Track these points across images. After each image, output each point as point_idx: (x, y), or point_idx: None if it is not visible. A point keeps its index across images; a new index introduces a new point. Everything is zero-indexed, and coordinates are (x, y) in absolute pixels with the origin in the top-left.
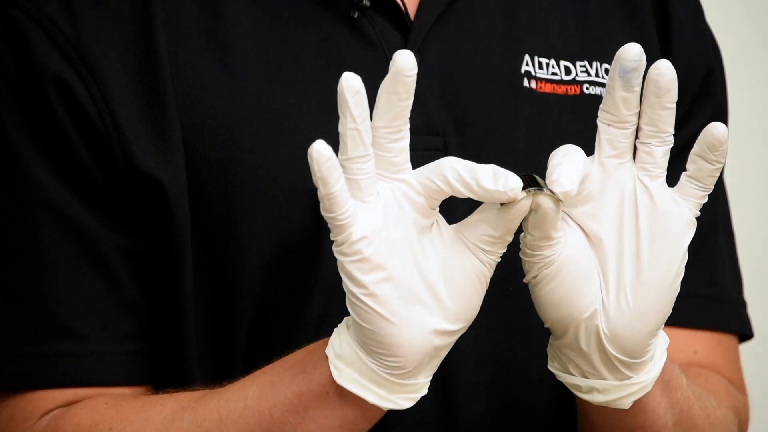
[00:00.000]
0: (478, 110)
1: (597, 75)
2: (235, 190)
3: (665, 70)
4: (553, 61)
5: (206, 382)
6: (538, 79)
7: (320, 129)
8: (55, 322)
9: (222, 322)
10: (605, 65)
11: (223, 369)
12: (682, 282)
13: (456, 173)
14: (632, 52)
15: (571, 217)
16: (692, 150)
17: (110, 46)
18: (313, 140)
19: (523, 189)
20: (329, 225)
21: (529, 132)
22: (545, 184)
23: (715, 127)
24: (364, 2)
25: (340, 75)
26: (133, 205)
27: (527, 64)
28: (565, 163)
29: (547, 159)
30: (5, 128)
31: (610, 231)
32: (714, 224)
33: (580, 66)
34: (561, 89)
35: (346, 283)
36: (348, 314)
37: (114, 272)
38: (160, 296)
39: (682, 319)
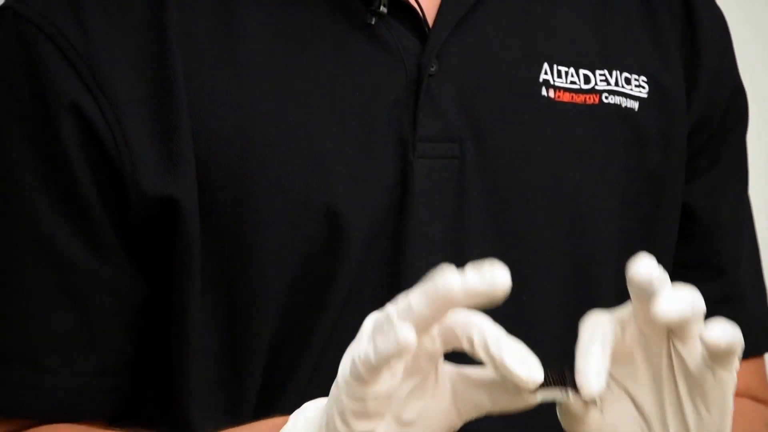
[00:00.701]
0: (496, 118)
1: (617, 84)
2: (248, 202)
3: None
4: (572, 70)
5: (209, 424)
6: (556, 88)
7: (334, 140)
8: (20, 351)
9: (235, 341)
10: (625, 74)
11: (234, 400)
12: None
13: (483, 340)
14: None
15: (612, 377)
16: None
17: (123, 59)
18: (327, 151)
19: (544, 383)
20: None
21: (547, 141)
22: (571, 382)
23: (716, 336)
24: (380, 9)
25: (356, 82)
26: (141, 230)
27: (546, 73)
28: (591, 358)
29: (565, 169)
30: (9, 149)
31: (650, 398)
32: (741, 243)
33: (600, 74)
34: (580, 98)
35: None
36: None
37: (88, 308)
38: (160, 323)
39: None
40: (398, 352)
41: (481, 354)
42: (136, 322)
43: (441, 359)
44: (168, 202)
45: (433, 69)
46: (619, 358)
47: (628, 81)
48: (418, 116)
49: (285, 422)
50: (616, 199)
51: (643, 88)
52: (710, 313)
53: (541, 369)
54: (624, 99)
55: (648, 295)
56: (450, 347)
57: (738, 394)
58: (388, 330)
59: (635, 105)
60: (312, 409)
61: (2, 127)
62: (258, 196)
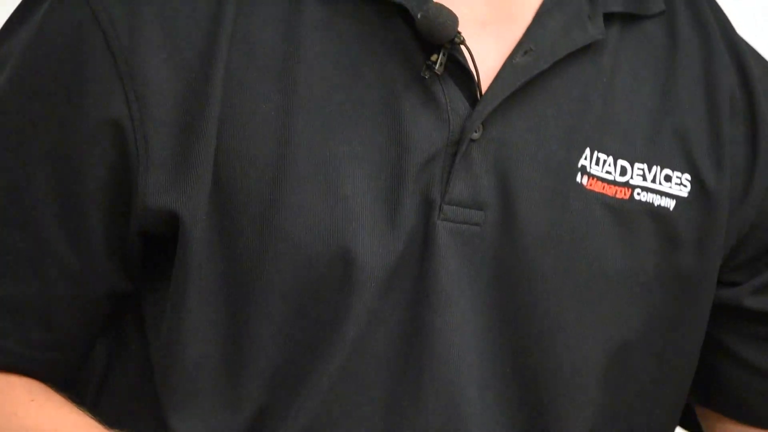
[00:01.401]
0: (526, 194)
1: (654, 180)
2: (270, 230)
3: None
4: (611, 159)
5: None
6: (591, 176)
7: (364, 186)
8: None
9: (232, 365)
10: (666, 170)
11: (223, 415)
12: None
13: None
14: None
15: None
16: None
17: (166, 60)
18: (356, 195)
19: None
20: None
21: (572, 229)
22: None
23: None
24: (436, 69)
25: (398, 131)
26: (142, 236)
27: (585, 158)
28: None
29: (583, 258)
30: (28, 121)
31: None
32: None
33: (638, 168)
34: (611, 190)
35: None
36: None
37: (49, 286)
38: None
39: None
40: None
41: None
42: (99, 309)
43: None
44: (169, 215)
45: (476, 134)
46: None
47: (668, 178)
48: (451, 178)
49: None
50: (639, 296)
51: (685, 186)
52: None
53: None
54: (658, 197)
55: None
56: None
57: None
58: None
59: (671, 204)
60: None
61: (28, 99)
62: (281, 225)
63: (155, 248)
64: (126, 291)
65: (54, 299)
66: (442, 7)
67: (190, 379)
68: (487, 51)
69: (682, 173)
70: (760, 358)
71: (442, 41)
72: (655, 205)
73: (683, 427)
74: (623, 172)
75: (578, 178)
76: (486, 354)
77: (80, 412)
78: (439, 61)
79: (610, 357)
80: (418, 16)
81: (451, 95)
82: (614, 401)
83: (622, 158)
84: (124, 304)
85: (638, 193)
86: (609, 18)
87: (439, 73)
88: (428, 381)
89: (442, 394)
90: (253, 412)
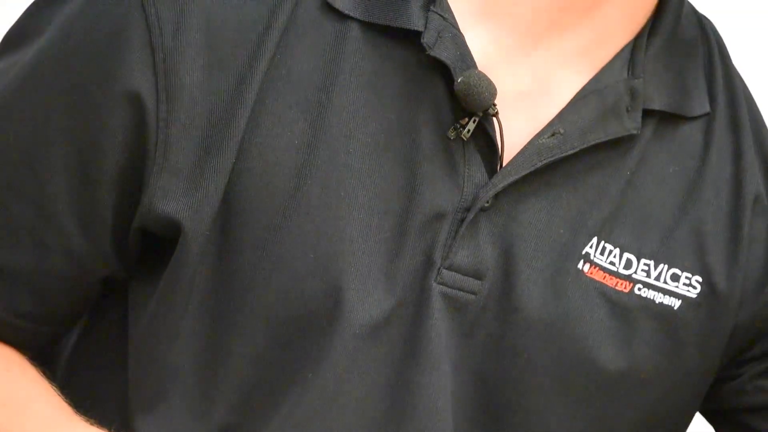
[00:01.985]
0: (526, 273)
1: (658, 278)
2: (269, 255)
3: None
4: (617, 251)
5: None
6: (593, 264)
7: (369, 232)
8: None
9: (208, 377)
10: (674, 270)
11: (193, 427)
12: None
13: None
14: None
15: None
16: None
17: (203, 68)
18: (359, 241)
19: None
20: None
21: (566, 313)
22: None
23: None
24: (463, 134)
25: (411, 186)
26: (141, 234)
27: (591, 246)
28: None
29: (575, 345)
30: (53, 97)
31: None
32: None
33: (644, 264)
34: (611, 281)
35: None
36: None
37: (47, 262)
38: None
39: None
40: None
41: None
42: (91, 289)
43: None
44: (173, 224)
45: (487, 204)
46: None
47: (675, 277)
48: (455, 244)
49: None
50: (632, 394)
51: (694, 288)
52: None
53: None
54: (661, 295)
55: None
56: None
57: None
58: None
59: (676, 303)
60: None
61: (61, 74)
62: (279, 254)
63: (153, 245)
64: (120, 277)
65: (51, 274)
66: (483, 76)
67: (161, 383)
68: (517, 124)
69: (693, 274)
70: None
71: (475, 109)
72: (656, 302)
73: None
74: (628, 265)
75: (580, 265)
76: (461, 420)
77: (52, 390)
78: (467, 127)
79: None
80: (459, 80)
81: (470, 162)
82: None
83: (629, 252)
84: (112, 288)
85: (639, 289)
86: (647, 114)
87: (465, 138)
88: None
89: None
90: (220, 429)
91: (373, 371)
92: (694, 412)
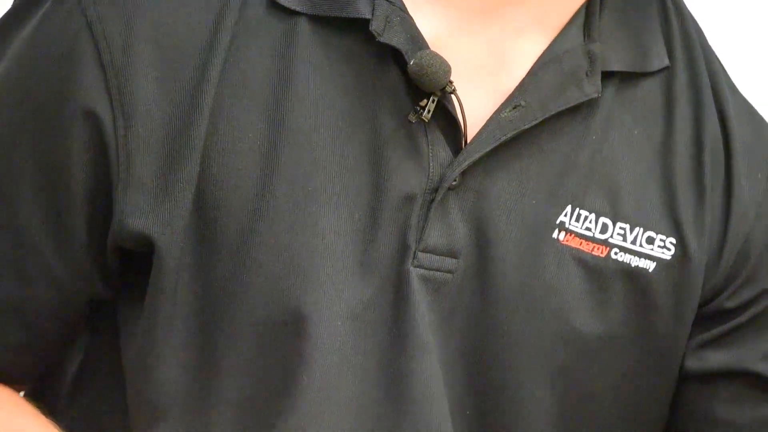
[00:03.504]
0: (502, 247)
1: (634, 242)
2: (245, 260)
3: None
4: (593, 216)
5: None
6: (568, 231)
7: (341, 225)
8: None
9: (202, 389)
10: (649, 233)
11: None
12: None
13: None
14: None
15: None
16: None
17: (156, 81)
18: (332, 233)
19: None
20: None
21: (544, 284)
22: None
23: None
24: (423, 116)
25: (378, 173)
26: (118, 254)
27: (566, 215)
28: None
29: (554, 315)
30: (13, 126)
31: None
32: None
33: (620, 227)
34: (587, 246)
35: None
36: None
37: (31, 289)
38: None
39: None
40: None
41: None
42: (77, 314)
43: None
44: (145, 239)
45: (454, 182)
46: None
47: (650, 240)
48: (427, 225)
49: None
50: (610, 357)
51: (668, 250)
52: None
53: None
54: (636, 258)
55: None
56: None
57: None
58: None
59: (651, 265)
60: None
61: (17, 103)
62: (257, 256)
63: (134, 262)
64: (105, 297)
65: (37, 303)
66: (435, 55)
67: (158, 400)
68: (478, 100)
69: (667, 237)
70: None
71: (432, 89)
72: (633, 266)
73: None
74: (604, 230)
75: (555, 234)
76: (454, 399)
77: (49, 425)
78: (427, 108)
79: (570, 410)
80: (411, 62)
81: (434, 142)
82: None
83: (605, 216)
84: (99, 311)
85: (615, 253)
86: (606, 75)
87: (426, 120)
88: (408, 426)
89: None
90: None
91: (363, 363)
92: (673, 381)
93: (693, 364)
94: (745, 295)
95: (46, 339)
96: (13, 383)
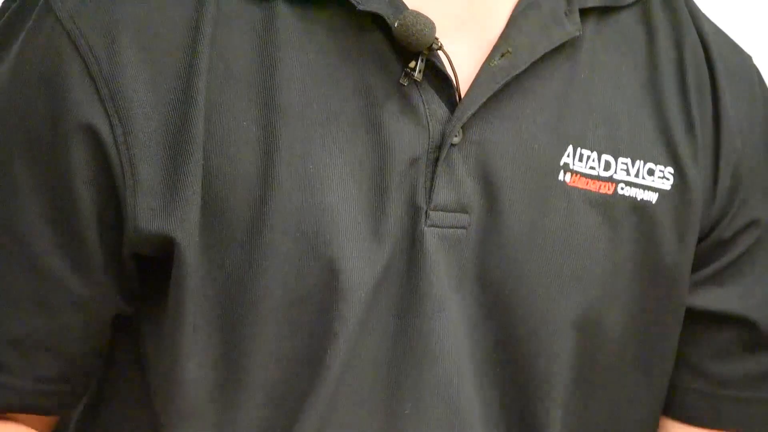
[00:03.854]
0: (510, 195)
1: (637, 175)
2: (258, 246)
3: None
4: (594, 154)
5: None
6: (573, 172)
7: (349, 195)
8: None
9: (229, 385)
10: (650, 164)
11: None
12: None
13: None
14: None
15: None
16: None
17: (146, 83)
18: (341, 206)
19: None
20: None
21: (555, 226)
22: None
23: None
24: (415, 76)
25: (379, 140)
26: (135, 260)
27: (568, 155)
28: None
29: (570, 257)
30: (13, 153)
31: None
32: None
33: (622, 162)
34: (594, 185)
35: None
36: (364, 389)
37: (57, 318)
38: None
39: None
40: None
41: None
42: (105, 335)
43: None
44: (163, 239)
45: (456, 139)
46: None
47: (651, 172)
48: (435, 184)
49: None
50: (621, 291)
51: (668, 179)
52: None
53: None
54: (641, 191)
55: None
56: None
57: None
58: None
59: (653, 197)
60: None
61: (11, 129)
62: (269, 241)
63: (150, 271)
64: (128, 313)
65: (63, 329)
66: (418, 14)
67: (188, 400)
68: (465, 55)
69: (665, 166)
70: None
71: (419, 48)
72: (638, 199)
73: None
74: (607, 167)
75: (560, 176)
76: (476, 353)
77: None
78: (417, 67)
79: (588, 355)
80: (395, 24)
81: (429, 101)
82: (586, 399)
83: (606, 153)
84: (118, 326)
85: (622, 188)
86: (585, 12)
87: (418, 80)
88: (429, 385)
89: (443, 397)
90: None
91: (380, 330)
92: (680, 316)
93: (693, 301)
94: (739, 221)
95: (77, 365)
96: (53, 413)
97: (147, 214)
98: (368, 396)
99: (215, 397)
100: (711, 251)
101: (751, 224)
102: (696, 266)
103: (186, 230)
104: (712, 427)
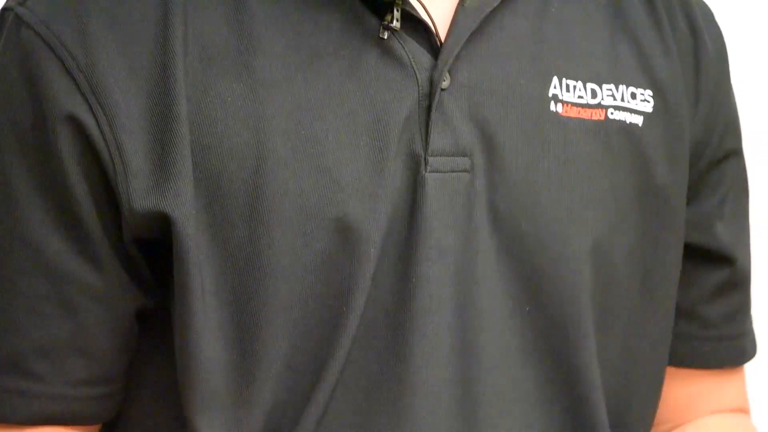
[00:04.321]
0: (506, 133)
1: (623, 99)
2: (260, 217)
3: None
4: (580, 84)
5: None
6: (564, 103)
7: (346, 154)
8: (12, 358)
9: (247, 359)
10: (631, 88)
11: (241, 413)
12: (732, 327)
13: None
14: None
15: None
16: None
17: (124, 71)
18: (340, 166)
19: None
20: None
21: (556, 157)
22: None
23: None
24: (393, 24)
25: (368, 97)
26: (137, 244)
27: (555, 87)
28: None
29: (571, 186)
30: (4, 158)
31: None
32: (749, 265)
33: (607, 89)
34: (587, 113)
35: None
36: (378, 342)
37: (81, 317)
38: (164, 336)
39: (731, 361)
40: None
41: None
42: (131, 331)
43: None
44: (159, 217)
45: (445, 83)
46: None
47: (633, 96)
48: (430, 131)
49: None
50: (622, 215)
51: (648, 102)
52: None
53: None
54: (629, 114)
55: None
56: None
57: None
58: None
59: (639, 120)
60: None
61: (2, 137)
62: (270, 210)
63: (159, 258)
64: (149, 305)
65: (86, 328)
66: None
67: (205, 380)
68: (438, 0)
69: (645, 89)
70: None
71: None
72: (627, 122)
73: None
74: (594, 94)
75: (552, 107)
76: (495, 292)
77: None
78: (394, 17)
79: (602, 287)
80: None
81: (412, 51)
82: (605, 335)
83: (591, 81)
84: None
85: (612, 113)
86: None
87: (396, 28)
88: (439, 329)
89: (451, 344)
90: (268, 407)
91: (390, 280)
92: (680, 238)
93: (691, 239)
94: (729, 143)
95: (109, 366)
96: (91, 422)
97: (140, 196)
98: (379, 345)
99: (233, 376)
100: (707, 177)
101: (731, 153)
102: (696, 198)
103: (180, 206)
104: (693, 367)
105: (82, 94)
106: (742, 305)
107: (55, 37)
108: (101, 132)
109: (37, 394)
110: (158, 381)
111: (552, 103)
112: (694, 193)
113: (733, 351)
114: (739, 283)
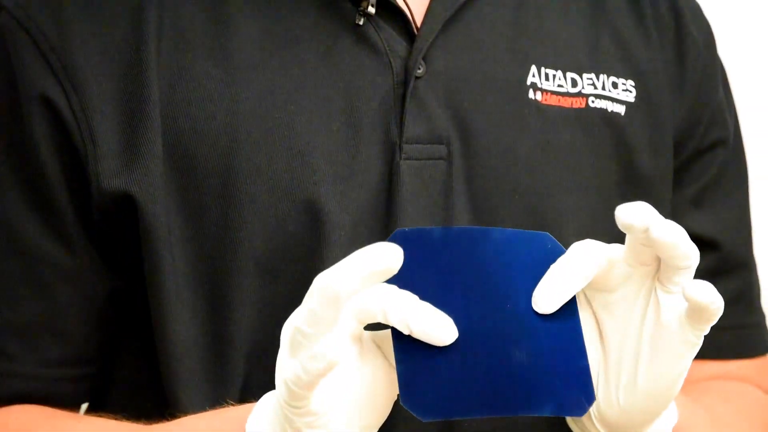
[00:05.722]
0: (483, 120)
1: (603, 88)
2: (233, 198)
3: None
4: (559, 73)
5: (197, 409)
6: (543, 91)
7: (320, 139)
8: None
9: (219, 337)
10: (612, 78)
11: (219, 391)
12: (727, 317)
13: (396, 308)
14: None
15: (588, 300)
16: (687, 312)
17: (97, 53)
18: (312, 149)
19: None
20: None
21: (534, 144)
22: None
23: (699, 293)
24: (368, 9)
25: (343, 83)
26: (106, 224)
27: (533, 75)
28: (556, 279)
29: (551, 172)
30: None
31: (616, 329)
32: (749, 248)
33: (587, 78)
34: (567, 102)
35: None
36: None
37: (54, 298)
38: (143, 316)
39: (728, 352)
40: (327, 368)
41: (395, 322)
42: (106, 312)
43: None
44: (127, 198)
45: (420, 71)
46: (600, 286)
47: (615, 85)
48: (405, 118)
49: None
50: (605, 203)
51: (630, 92)
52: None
53: (454, 327)
54: (610, 103)
55: (642, 228)
56: (365, 323)
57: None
58: (308, 346)
59: (621, 109)
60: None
61: None
62: (242, 193)
63: (129, 239)
64: (121, 287)
65: (59, 308)
66: None
67: (182, 359)
68: None
69: (627, 79)
70: None
71: None
72: (609, 111)
73: None
74: (574, 83)
75: (531, 95)
76: None
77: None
78: (369, 3)
79: None
80: None
81: (387, 38)
82: None
83: (570, 71)
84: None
85: (592, 101)
86: None
87: (371, 13)
88: None
89: None
90: (242, 384)
91: None
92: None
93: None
94: (716, 133)
95: (84, 347)
96: (65, 404)
97: (108, 176)
98: None
99: (207, 356)
100: (691, 166)
101: (718, 143)
102: (678, 185)
103: (148, 186)
104: None
105: (55, 75)
106: (741, 294)
107: (30, 18)
108: (73, 112)
109: (11, 373)
110: (141, 365)
111: (531, 91)
112: (677, 181)
113: (736, 342)
114: (731, 270)
